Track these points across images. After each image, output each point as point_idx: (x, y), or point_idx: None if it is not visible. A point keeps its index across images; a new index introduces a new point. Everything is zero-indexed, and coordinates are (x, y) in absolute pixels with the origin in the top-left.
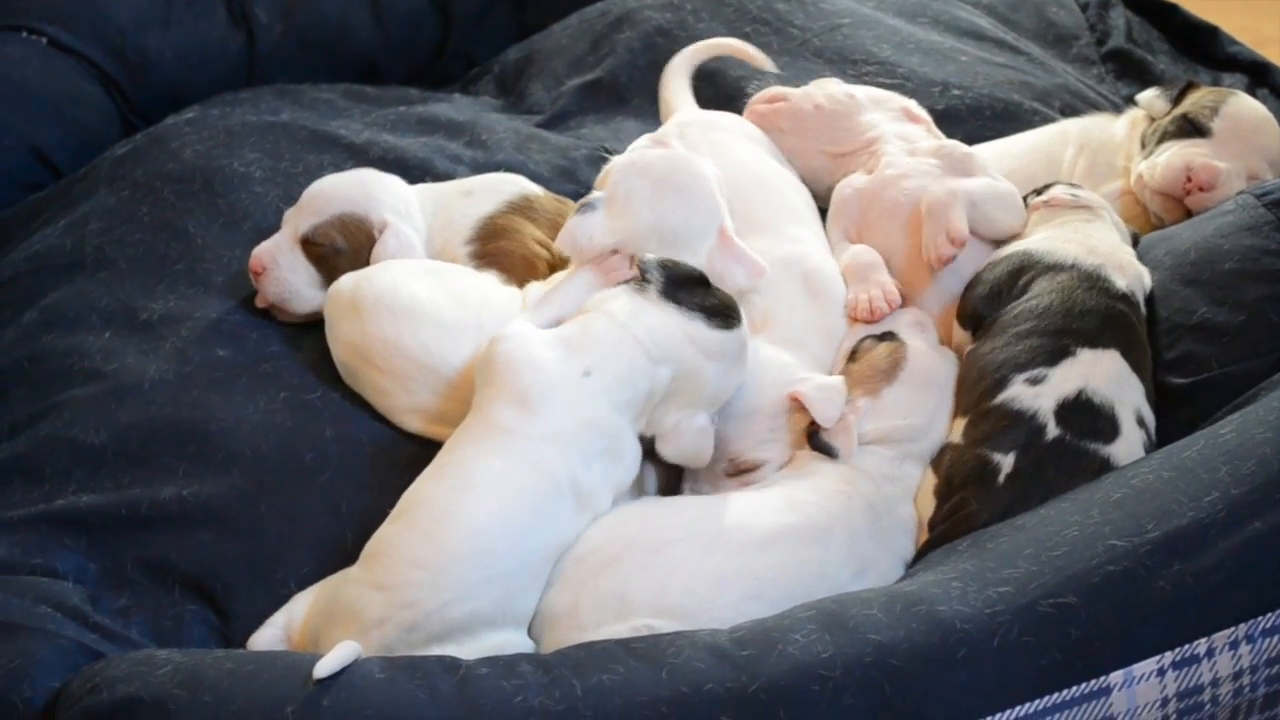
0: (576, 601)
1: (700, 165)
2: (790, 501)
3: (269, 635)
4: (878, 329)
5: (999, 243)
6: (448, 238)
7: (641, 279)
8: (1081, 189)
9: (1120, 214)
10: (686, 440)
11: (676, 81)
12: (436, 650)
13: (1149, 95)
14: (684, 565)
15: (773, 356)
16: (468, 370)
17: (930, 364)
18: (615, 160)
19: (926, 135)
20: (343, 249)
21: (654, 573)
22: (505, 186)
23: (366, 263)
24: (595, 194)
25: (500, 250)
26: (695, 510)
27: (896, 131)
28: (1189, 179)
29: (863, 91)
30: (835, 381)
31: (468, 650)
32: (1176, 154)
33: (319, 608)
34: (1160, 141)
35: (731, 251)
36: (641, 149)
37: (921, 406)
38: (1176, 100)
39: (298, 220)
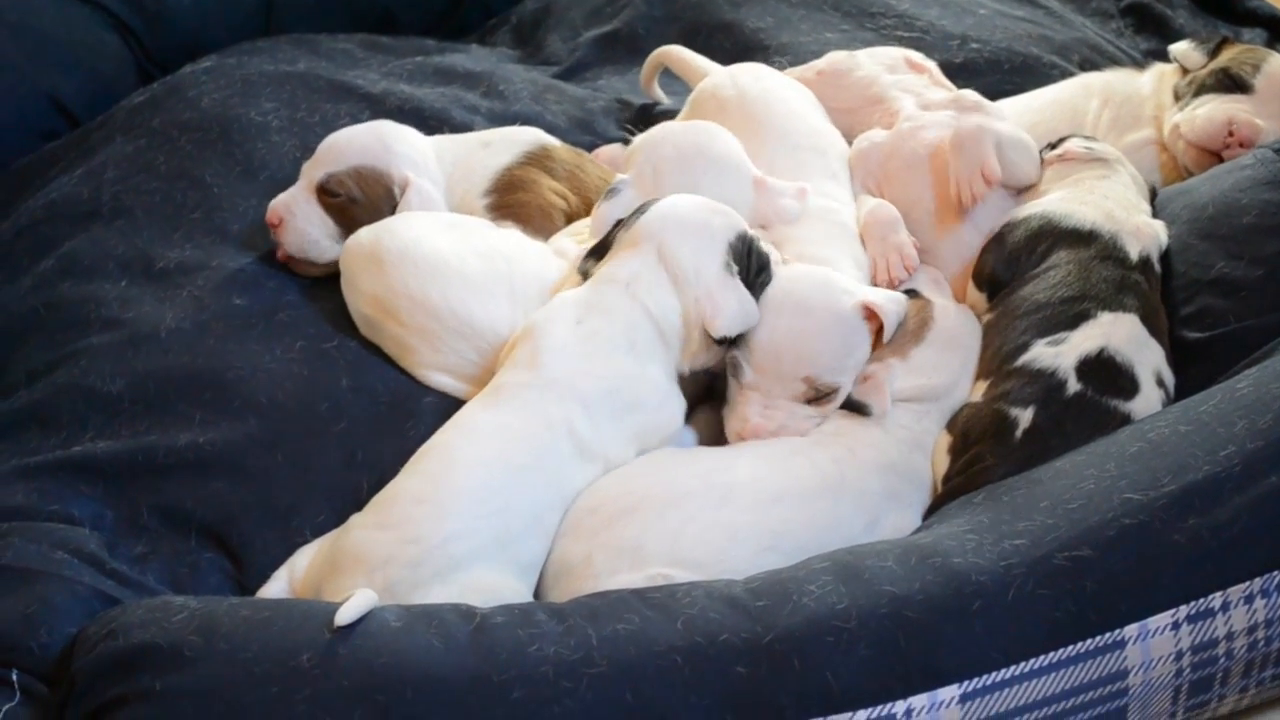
0: (590, 551)
1: (719, 129)
2: (803, 453)
3: (274, 590)
4: (901, 286)
5: (1018, 194)
6: (466, 189)
7: None
8: (1096, 141)
9: (1146, 164)
10: (727, 305)
11: (684, 54)
12: (439, 591)
13: (1183, 47)
14: (698, 517)
15: (837, 275)
16: (497, 330)
17: (956, 323)
18: (637, 140)
19: (929, 84)
20: (359, 199)
21: (668, 524)
22: (522, 138)
23: (383, 217)
24: (620, 177)
25: (517, 202)
26: (710, 463)
27: (895, 82)
28: (1231, 133)
29: (864, 52)
30: (899, 295)
31: (469, 592)
32: (1218, 108)
33: (321, 559)
34: (1197, 94)
35: (771, 193)
36: (661, 125)
37: (947, 365)
38: (1212, 54)
39: (313, 171)
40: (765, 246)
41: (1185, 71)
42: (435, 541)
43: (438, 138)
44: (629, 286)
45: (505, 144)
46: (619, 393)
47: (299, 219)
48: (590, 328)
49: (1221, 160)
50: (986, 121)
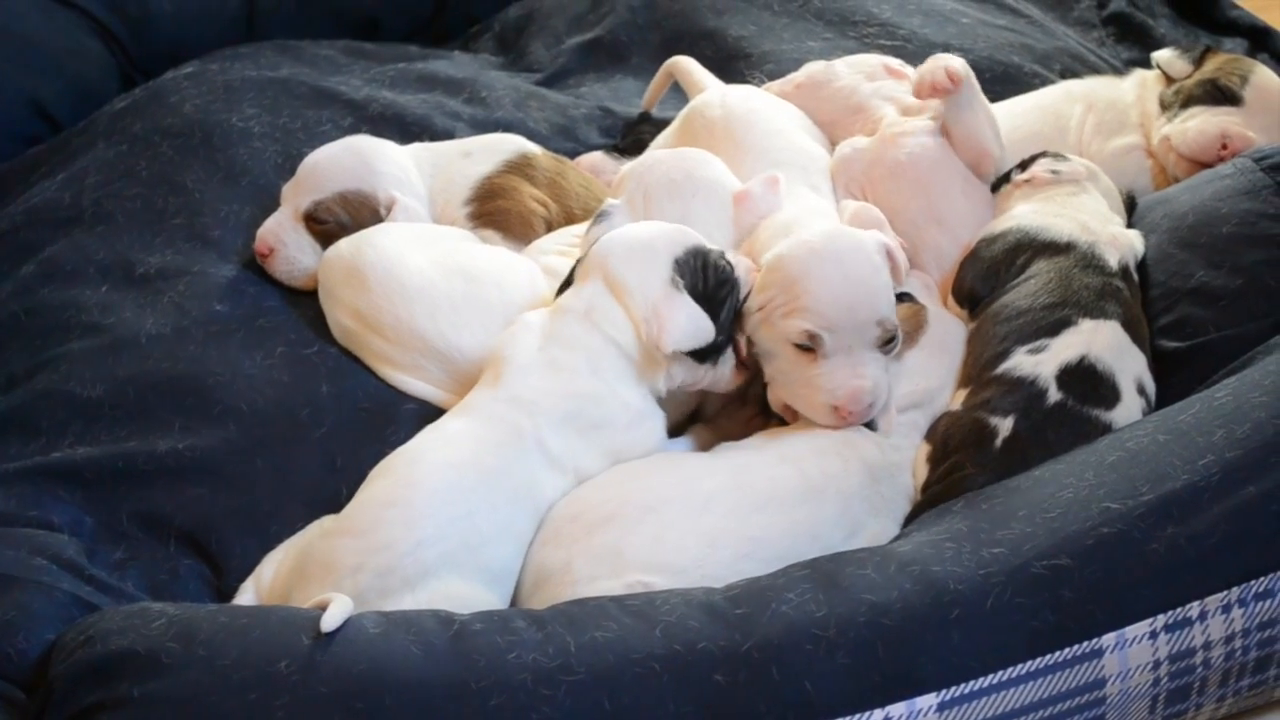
0: (570, 558)
1: (707, 155)
2: (786, 460)
3: (243, 602)
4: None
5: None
6: (447, 199)
7: None
8: (1065, 161)
9: (1133, 169)
10: (673, 320)
11: (692, 68)
12: (409, 599)
13: (1167, 55)
14: (678, 524)
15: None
16: (468, 354)
17: (947, 328)
18: (627, 166)
19: (909, 90)
20: (348, 224)
21: (648, 530)
22: (503, 146)
23: None
24: (611, 201)
25: (498, 210)
26: (690, 469)
27: (875, 89)
28: (1224, 145)
29: (842, 61)
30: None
31: (439, 600)
32: (1210, 120)
33: (288, 567)
34: (1185, 105)
35: (749, 199)
36: (649, 152)
37: (935, 370)
38: (1197, 63)
39: (298, 197)
40: (728, 260)
41: (1169, 79)
42: (405, 548)
43: (416, 146)
44: (587, 315)
45: (486, 152)
46: (583, 413)
47: (290, 248)
48: (550, 355)
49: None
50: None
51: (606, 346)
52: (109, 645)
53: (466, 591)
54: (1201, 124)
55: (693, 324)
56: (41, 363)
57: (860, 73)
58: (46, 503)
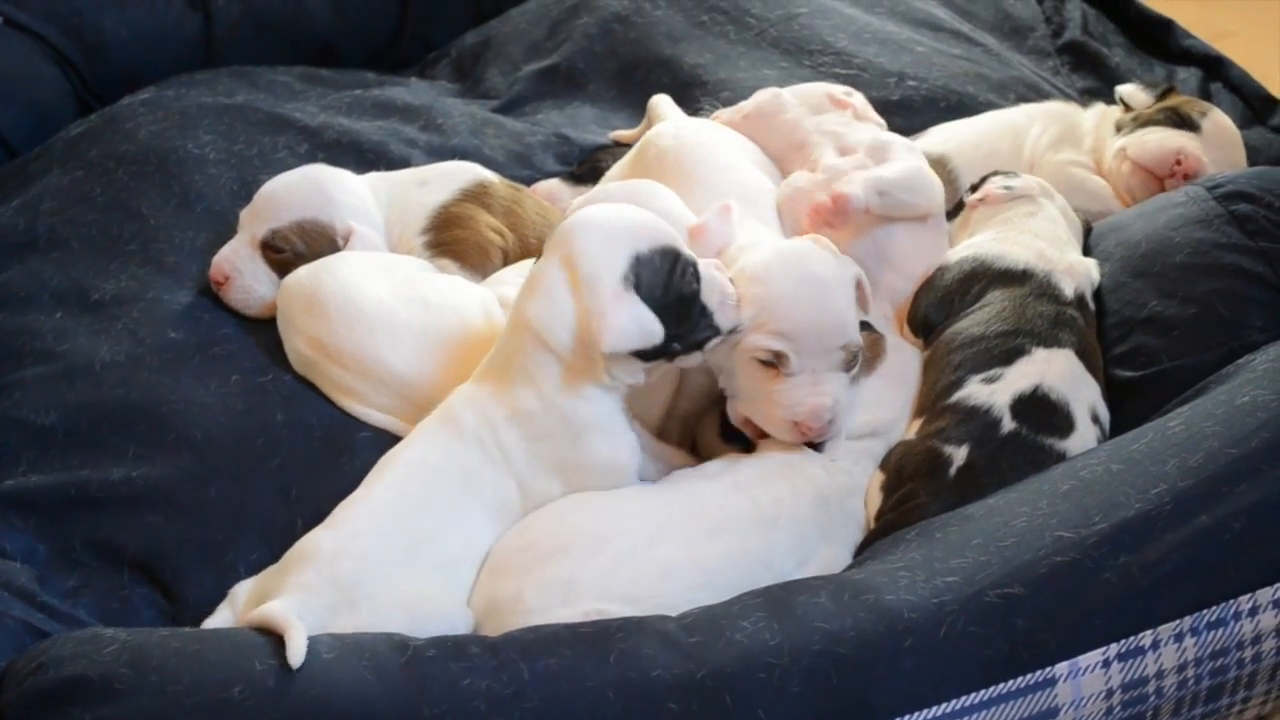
0: (521, 588)
1: (656, 188)
2: (739, 488)
3: (218, 622)
4: None
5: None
6: (404, 228)
7: None
8: (1017, 177)
9: (1068, 182)
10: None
11: (666, 107)
12: (382, 587)
13: (1131, 89)
14: (632, 554)
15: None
16: (419, 386)
17: (904, 358)
18: (579, 200)
19: (852, 121)
20: (304, 253)
21: (601, 561)
22: (459, 174)
23: None
24: None
25: (455, 239)
26: (645, 500)
27: (817, 125)
28: (1179, 162)
29: (790, 91)
30: None
31: (411, 576)
32: (1170, 136)
33: (263, 581)
34: (1144, 125)
35: (705, 233)
36: (601, 185)
37: (893, 400)
38: (1159, 98)
39: (254, 226)
40: (703, 271)
41: (1128, 109)
42: (374, 539)
43: (372, 176)
44: (525, 321)
45: (442, 181)
46: (529, 423)
47: (246, 277)
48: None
49: (1163, 188)
50: (870, 174)
51: (538, 352)
52: (61, 671)
53: (425, 588)
54: (1162, 138)
55: (636, 325)
56: None
57: (806, 104)
58: None
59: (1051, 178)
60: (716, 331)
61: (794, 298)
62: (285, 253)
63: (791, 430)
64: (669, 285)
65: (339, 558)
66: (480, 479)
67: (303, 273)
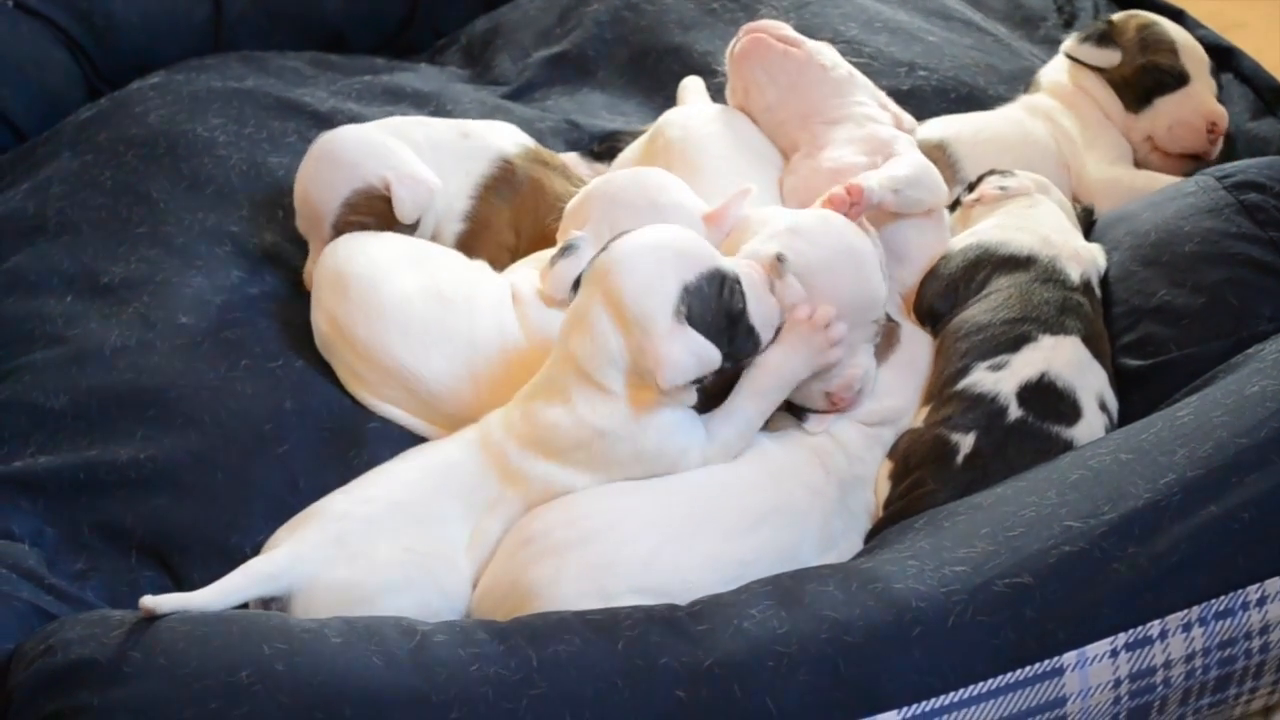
0: (558, 571)
1: (667, 176)
2: (773, 478)
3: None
4: None
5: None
6: (446, 199)
7: None
8: (1011, 176)
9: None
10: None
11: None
12: (383, 547)
13: (1084, 49)
14: (670, 545)
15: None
16: (428, 382)
17: (918, 346)
18: (584, 191)
19: (881, 116)
20: (371, 224)
21: (640, 550)
22: (496, 141)
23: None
24: (575, 233)
25: (477, 245)
26: (681, 487)
27: (856, 99)
28: (1212, 127)
29: (860, 75)
30: None
31: (412, 541)
32: (1184, 110)
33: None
34: (1147, 98)
35: (719, 218)
36: (608, 173)
37: (903, 388)
38: (1114, 44)
39: (316, 229)
40: (743, 275)
41: (1092, 69)
42: (386, 502)
43: (397, 120)
44: (571, 362)
45: (481, 146)
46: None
47: None
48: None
49: (1205, 158)
50: (883, 179)
51: (585, 386)
52: (69, 654)
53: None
54: (1184, 120)
55: (694, 358)
56: (4, 373)
57: (870, 96)
58: (7, 512)
59: (1105, 193)
60: (760, 342)
61: (843, 271)
62: (356, 226)
63: (823, 400)
64: (719, 308)
65: (345, 518)
66: (500, 508)
67: (341, 245)
